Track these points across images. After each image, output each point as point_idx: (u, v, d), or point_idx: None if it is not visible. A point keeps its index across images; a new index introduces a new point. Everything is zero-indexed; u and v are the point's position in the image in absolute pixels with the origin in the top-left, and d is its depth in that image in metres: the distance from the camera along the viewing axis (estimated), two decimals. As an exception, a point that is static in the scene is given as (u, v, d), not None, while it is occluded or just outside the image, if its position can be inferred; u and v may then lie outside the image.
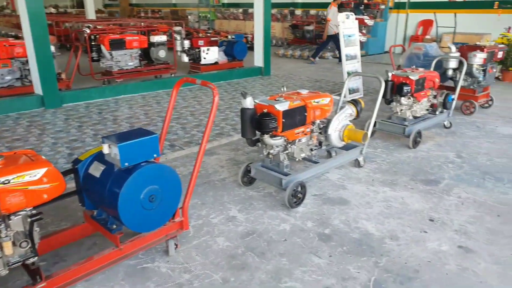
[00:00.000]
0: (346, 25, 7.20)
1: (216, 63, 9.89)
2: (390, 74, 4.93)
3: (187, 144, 5.14)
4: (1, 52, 7.03)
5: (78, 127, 5.83)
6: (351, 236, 3.20)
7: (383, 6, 14.03)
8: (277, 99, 3.66)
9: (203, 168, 4.50)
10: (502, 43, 8.92)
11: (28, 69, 7.06)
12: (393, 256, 2.94)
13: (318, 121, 4.02)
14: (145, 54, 9.13)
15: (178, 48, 9.64)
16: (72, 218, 3.44)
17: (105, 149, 2.51)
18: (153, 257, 2.93)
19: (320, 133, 4.11)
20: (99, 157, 2.70)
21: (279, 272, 2.77)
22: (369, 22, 12.91)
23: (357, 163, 4.52)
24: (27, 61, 6.98)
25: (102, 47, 8.23)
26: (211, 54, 9.70)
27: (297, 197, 3.64)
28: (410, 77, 4.97)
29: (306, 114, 3.78)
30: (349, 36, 7.26)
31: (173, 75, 9.36)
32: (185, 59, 9.60)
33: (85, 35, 8.44)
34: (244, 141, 3.78)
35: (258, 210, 3.61)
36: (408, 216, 3.50)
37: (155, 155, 2.61)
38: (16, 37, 8.67)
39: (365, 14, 13.93)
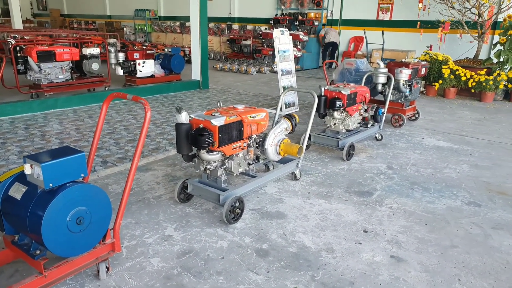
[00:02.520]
0: (281, 41, 7.35)
1: (152, 76, 9.70)
2: (323, 89, 5.07)
3: (120, 160, 4.95)
4: None
5: (1, 144, 5.44)
6: (289, 250, 3.21)
7: (317, 23, 14.53)
8: (213, 114, 3.63)
9: (137, 185, 4.34)
10: (425, 60, 9.54)
11: None
12: (329, 269, 2.98)
13: (254, 136, 4.04)
14: (78, 67, 8.75)
15: (113, 60, 9.38)
16: (-9, 244, 3.16)
17: (27, 169, 2.34)
18: (83, 282, 2.76)
19: (257, 147, 4.13)
20: (21, 178, 2.51)
21: (217, 291, 2.71)
22: (304, 37, 13.31)
23: (293, 176, 4.58)
24: None
25: (30, 59, 7.78)
26: (147, 67, 9.51)
27: (235, 212, 3.61)
28: (342, 92, 5.14)
29: (242, 129, 3.78)
30: (284, 51, 7.42)
31: (107, 89, 9.07)
32: (120, 72, 9.34)
33: (10, 46, 7.96)
34: (181, 156, 3.70)
35: (195, 227, 3.53)
36: (343, 228, 3.58)
37: (82, 175, 2.47)
38: None
39: (299, 30, 14.38)
